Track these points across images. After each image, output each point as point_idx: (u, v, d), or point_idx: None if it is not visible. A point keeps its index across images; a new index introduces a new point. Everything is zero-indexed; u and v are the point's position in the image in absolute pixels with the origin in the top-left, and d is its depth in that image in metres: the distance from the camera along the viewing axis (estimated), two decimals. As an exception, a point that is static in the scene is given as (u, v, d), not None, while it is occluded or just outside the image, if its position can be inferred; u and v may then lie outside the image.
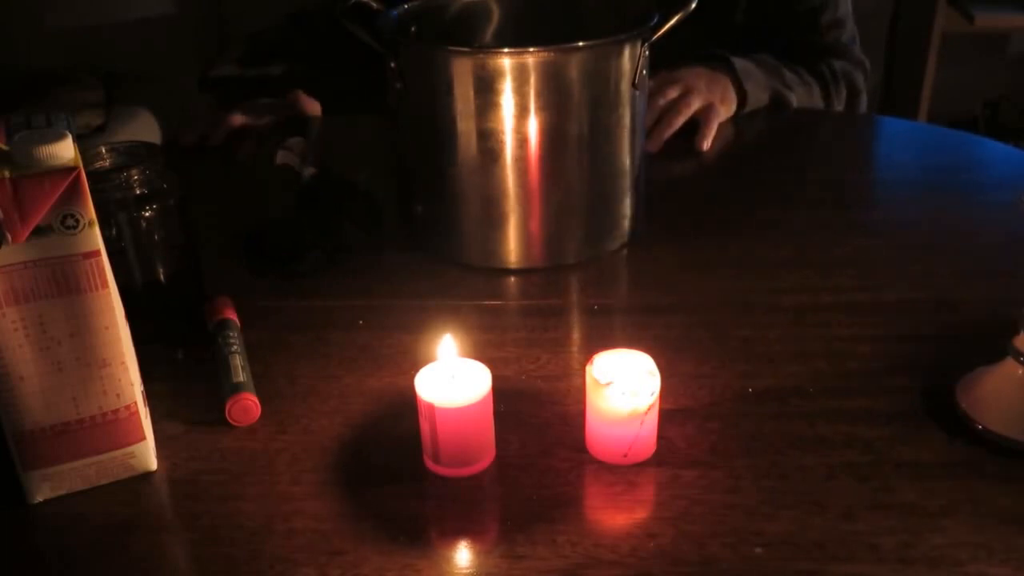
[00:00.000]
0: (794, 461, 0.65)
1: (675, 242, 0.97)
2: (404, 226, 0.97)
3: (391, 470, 0.66)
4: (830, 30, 1.35)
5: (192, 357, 0.79)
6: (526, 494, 0.63)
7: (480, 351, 0.77)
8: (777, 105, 1.29)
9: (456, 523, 0.62)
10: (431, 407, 0.62)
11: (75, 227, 0.57)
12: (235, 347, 0.76)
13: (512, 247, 0.91)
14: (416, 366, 0.66)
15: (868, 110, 1.44)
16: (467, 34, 1.02)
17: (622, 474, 0.65)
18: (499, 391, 0.67)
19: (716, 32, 1.26)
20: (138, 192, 0.77)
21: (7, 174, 0.54)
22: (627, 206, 0.94)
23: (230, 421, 0.70)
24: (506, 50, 0.84)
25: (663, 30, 0.88)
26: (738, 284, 0.89)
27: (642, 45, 0.88)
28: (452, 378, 0.64)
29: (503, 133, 0.85)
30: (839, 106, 1.36)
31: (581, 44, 0.84)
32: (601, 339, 0.80)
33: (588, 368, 0.65)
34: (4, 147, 0.56)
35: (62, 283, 0.58)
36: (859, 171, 1.20)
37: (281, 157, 1.04)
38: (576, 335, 0.84)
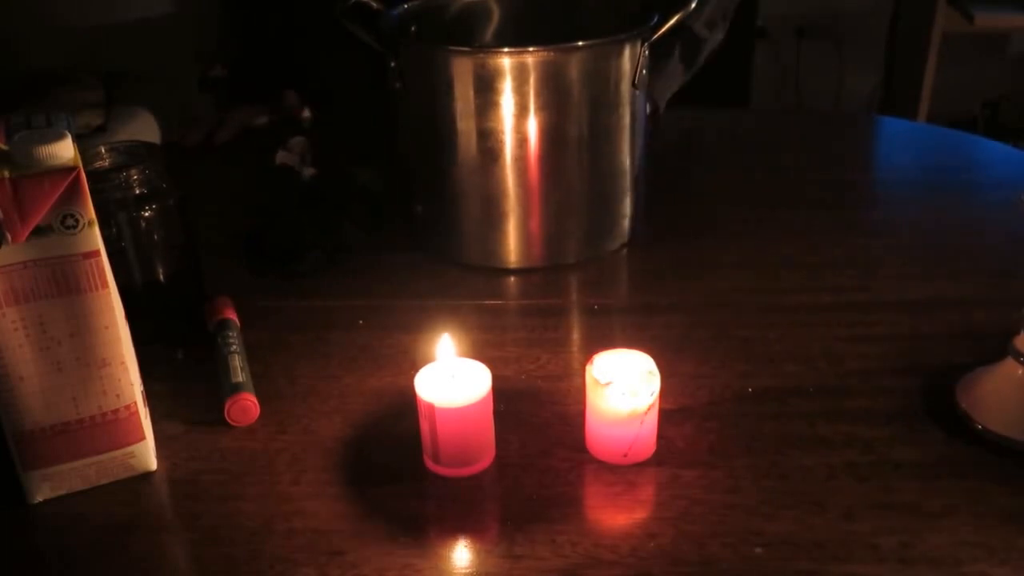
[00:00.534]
0: (794, 461, 0.65)
1: (675, 242, 0.97)
2: (404, 226, 0.97)
3: (391, 470, 0.66)
4: None
5: (192, 357, 0.79)
6: (526, 494, 0.63)
7: (480, 351, 0.76)
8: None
9: (456, 523, 0.62)
10: (431, 407, 0.62)
11: (75, 227, 0.57)
12: (235, 347, 0.76)
13: (512, 247, 0.91)
14: (416, 366, 0.66)
15: (868, 110, 1.44)
16: (467, 34, 1.02)
17: (622, 474, 0.65)
18: (499, 391, 0.67)
19: None
20: (138, 192, 0.77)
21: (7, 174, 0.54)
22: (627, 206, 0.94)
23: (229, 421, 0.70)
24: (506, 50, 0.84)
25: (663, 30, 0.88)
26: (738, 284, 0.89)
27: (642, 45, 0.88)
28: (452, 378, 0.64)
29: (503, 133, 0.85)
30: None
31: (581, 44, 0.84)
32: (601, 339, 0.80)
33: (588, 368, 0.65)
34: (4, 147, 0.56)
35: (62, 283, 0.58)
36: (859, 171, 1.20)
37: (281, 157, 1.04)
38: (576, 335, 0.84)
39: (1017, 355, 0.67)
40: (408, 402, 0.66)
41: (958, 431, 0.68)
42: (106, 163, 0.80)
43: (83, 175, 0.56)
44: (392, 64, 0.89)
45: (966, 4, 2.47)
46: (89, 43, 2.17)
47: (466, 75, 0.83)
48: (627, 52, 0.87)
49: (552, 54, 0.83)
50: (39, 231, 0.56)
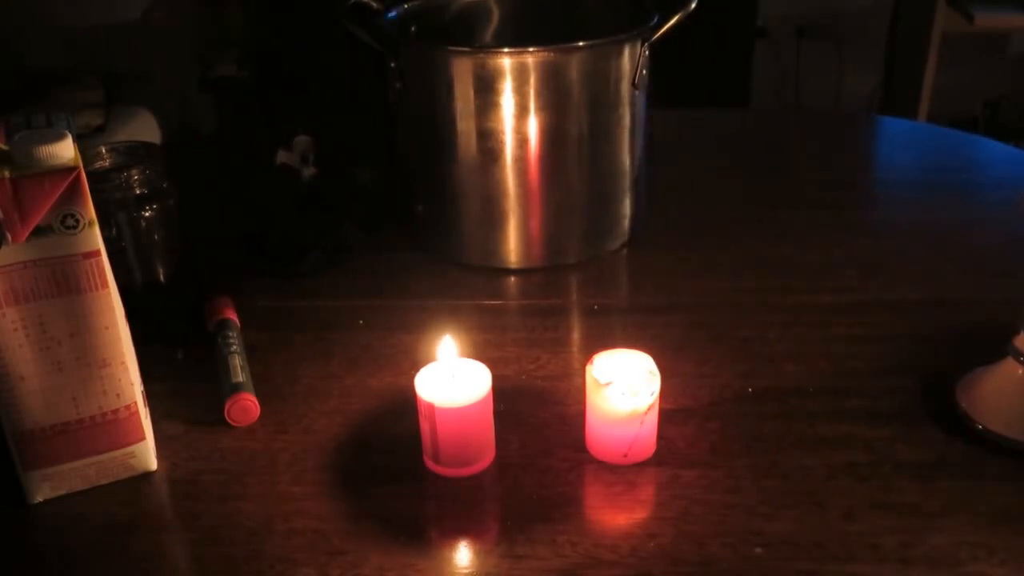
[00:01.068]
0: (794, 461, 0.65)
1: (675, 242, 0.97)
2: (404, 226, 0.97)
3: (391, 470, 0.66)
4: None
5: (192, 357, 0.78)
6: (526, 494, 0.63)
7: (480, 351, 0.77)
8: None
9: (456, 523, 0.62)
10: (431, 407, 0.62)
11: (75, 227, 0.57)
12: (235, 347, 0.76)
13: (512, 247, 0.91)
14: (416, 366, 0.66)
15: (868, 110, 1.44)
16: (467, 34, 1.02)
17: (622, 474, 0.65)
18: (499, 391, 0.67)
19: None
20: (138, 192, 0.77)
21: (7, 174, 0.54)
22: (627, 206, 0.94)
23: (229, 421, 0.70)
24: (506, 50, 0.84)
25: (663, 30, 0.88)
26: (738, 284, 0.89)
27: (642, 45, 0.88)
28: (452, 378, 0.64)
29: (503, 133, 0.85)
30: None
31: (581, 44, 0.84)
32: (601, 339, 0.80)
33: (588, 368, 0.65)
34: (4, 147, 0.56)
35: (62, 283, 0.58)
36: (859, 171, 1.20)
37: (281, 157, 1.04)
38: (576, 335, 0.84)
39: (1017, 355, 0.67)
40: (408, 402, 0.66)
41: (958, 431, 0.68)
42: (106, 163, 0.80)
43: (83, 175, 0.56)
44: (392, 64, 0.89)
45: (966, 4, 2.47)
46: (89, 43, 2.18)
47: (466, 75, 0.83)
48: (627, 52, 0.87)
49: (552, 54, 0.83)
50: (39, 231, 0.56)
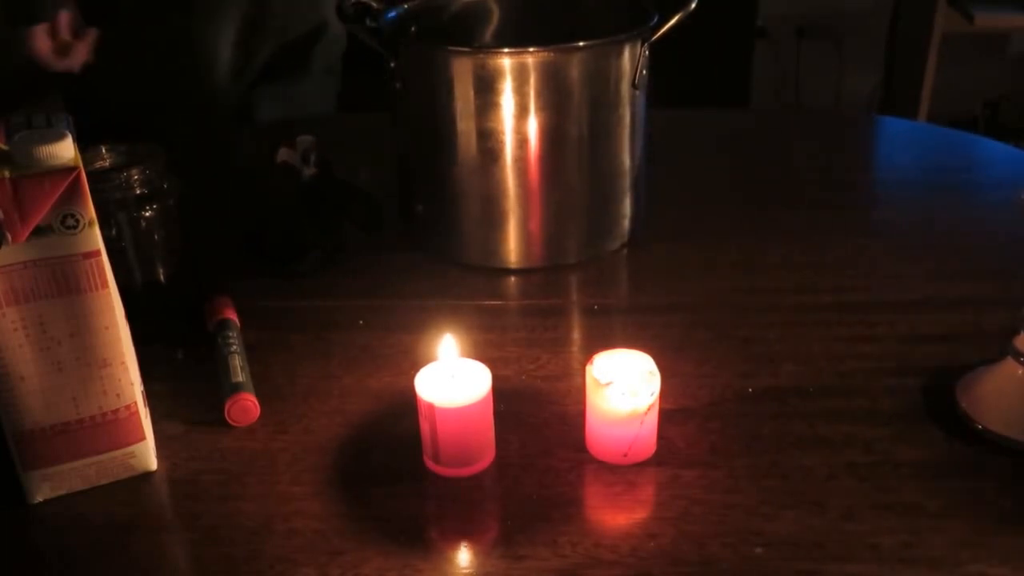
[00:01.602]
0: (794, 461, 0.65)
1: (675, 242, 0.97)
2: (404, 226, 0.97)
3: (391, 470, 0.66)
4: None
5: (192, 357, 0.78)
6: (526, 494, 0.63)
7: (480, 351, 0.76)
8: None
9: (456, 523, 0.62)
10: (431, 407, 0.62)
11: (75, 227, 0.57)
12: (235, 347, 0.76)
13: (512, 247, 0.91)
14: (416, 366, 0.66)
15: (868, 110, 1.44)
16: (467, 34, 1.02)
17: (622, 474, 0.65)
18: (499, 391, 0.67)
19: None
20: (138, 192, 0.77)
21: (7, 174, 0.54)
22: (627, 206, 0.94)
23: (229, 421, 0.70)
24: (506, 50, 0.84)
25: (663, 30, 0.88)
26: (738, 284, 0.89)
27: (642, 45, 0.88)
28: (452, 378, 0.64)
29: (503, 133, 0.85)
30: None
31: (581, 44, 0.84)
32: (601, 339, 0.80)
33: (588, 368, 0.65)
34: (4, 147, 0.56)
35: (62, 283, 0.58)
36: (859, 171, 1.20)
37: (282, 155, 1.04)
38: (576, 335, 0.84)
39: (1017, 355, 0.67)
40: (408, 402, 0.66)
41: (958, 431, 0.68)
42: (106, 163, 0.80)
43: (83, 175, 0.56)
44: (392, 64, 0.89)
45: (966, 4, 2.47)
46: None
47: (466, 75, 0.83)
48: (627, 52, 0.87)
49: (552, 54, 0.83)
50: (39, 231, 0.56)
